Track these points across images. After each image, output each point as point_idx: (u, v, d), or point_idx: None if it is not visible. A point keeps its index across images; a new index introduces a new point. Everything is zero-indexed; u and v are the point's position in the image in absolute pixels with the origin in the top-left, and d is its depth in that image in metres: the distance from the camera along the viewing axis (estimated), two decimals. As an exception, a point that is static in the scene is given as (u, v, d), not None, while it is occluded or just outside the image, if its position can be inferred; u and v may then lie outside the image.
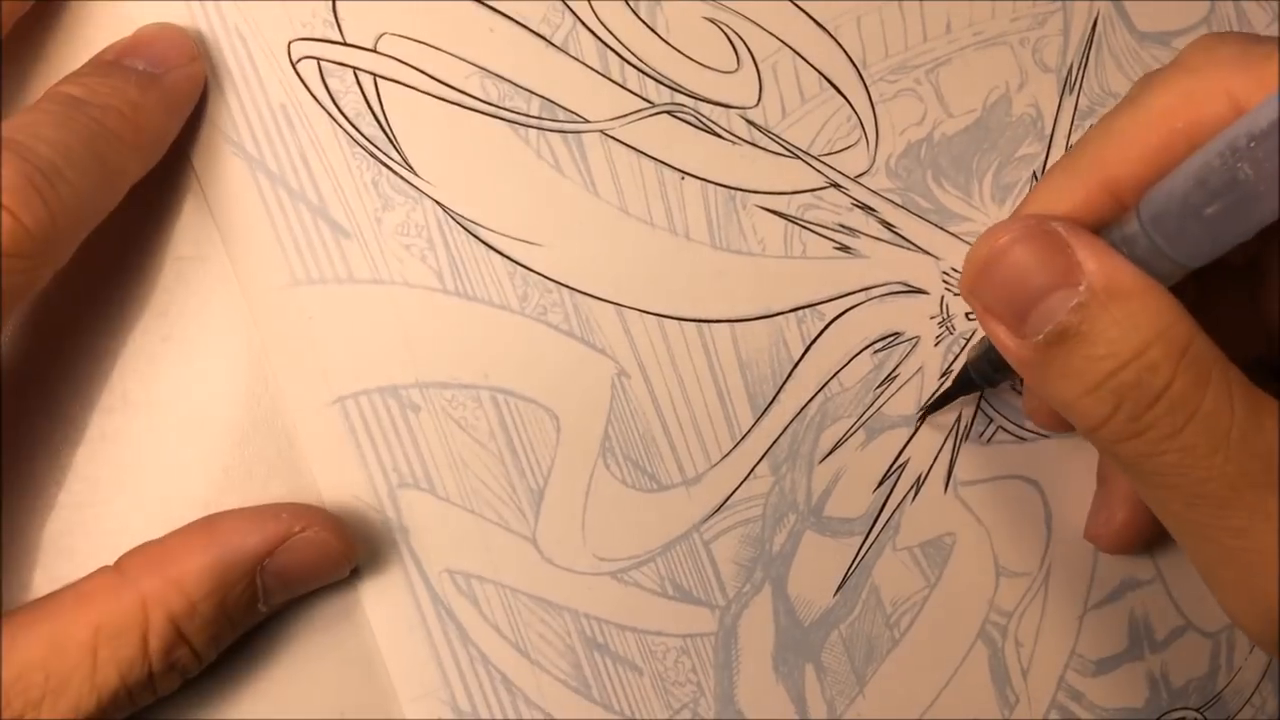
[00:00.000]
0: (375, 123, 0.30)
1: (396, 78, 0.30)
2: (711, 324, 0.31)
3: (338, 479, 0.30)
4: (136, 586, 0.26)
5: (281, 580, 0.27)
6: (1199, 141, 0.24)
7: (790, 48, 0.32)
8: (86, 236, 0.26)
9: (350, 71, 0.30)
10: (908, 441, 0.33)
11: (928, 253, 0.33)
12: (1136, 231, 0.25)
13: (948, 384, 0.33)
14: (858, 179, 0.32)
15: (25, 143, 0.25)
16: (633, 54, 0.31)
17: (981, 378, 0.31)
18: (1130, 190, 0.26)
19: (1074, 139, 0.33)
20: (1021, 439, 0.33)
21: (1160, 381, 0.24)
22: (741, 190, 0.32)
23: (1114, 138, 0.26)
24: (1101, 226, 0.26)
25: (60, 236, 0.25)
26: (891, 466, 0.33)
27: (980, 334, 0.32)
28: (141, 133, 0.27)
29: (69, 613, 0.25)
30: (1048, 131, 0.33)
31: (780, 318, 0.32)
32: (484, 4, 0.30)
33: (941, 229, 0.33)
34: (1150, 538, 0.33)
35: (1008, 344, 0.26)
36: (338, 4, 0.30)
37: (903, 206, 0.33)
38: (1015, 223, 0.26)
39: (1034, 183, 0.33)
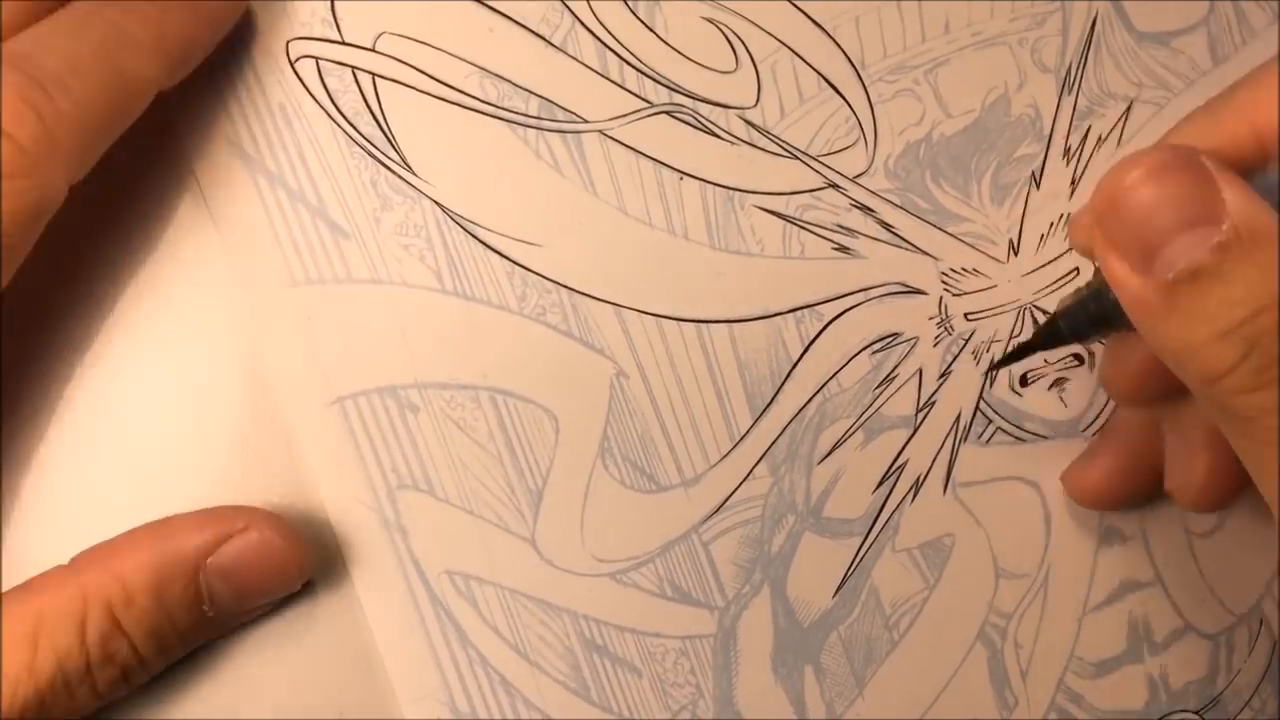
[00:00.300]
0: (374, 122, 0.30)
1: (395, 77, 0.30)
2: (710, 324, 0.31)
3: (337, 480, 0.29)
4: (79, 578, 0.26)
5: (226, 582, 0.27)
6: None
7: (789, 48, 0.32)
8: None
9: (349, 71, 0.30)
10: (907, 442, 0.33)
11: (926, 253, 0.33)
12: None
13: (1024, 337, 0.31)
14: (856, 179, 0.32)
15: (28, 53, 0.24)
16: (631, 54, 0.31)
17: (1073, 330, 0.29)
18: (1277, 137, 0.25)
19: (1073, 139, 0.33)
20: (1020, 440, 0.33)
21: None
22: (740, 190, 0.32)
23: (1268, 83, 0.25)
24: (1241, 171, 0.25)
25: (64, 149, 0.24)
26: (890, 467, 0.32)
27: (1071, 287, 0.32)
28: (166, 37, 0.26)
29: (16, 603, 0.26)
30: (1046, 132, 0.33)
31: (779, 318, 0.32)
32: (483, 4, 0.30)
33: (940, 230, 0.33)
34: (1125, 499, 0.32)
35: (1130, 283, 0.24)
36: (336, 3, 0.30)
37: (901, 207, 0.33)
38: (1158, 151, 0.24)
39: (1032, 183, 0.33)
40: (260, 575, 0.28)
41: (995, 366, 0.33)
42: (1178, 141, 0.26)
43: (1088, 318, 0.28)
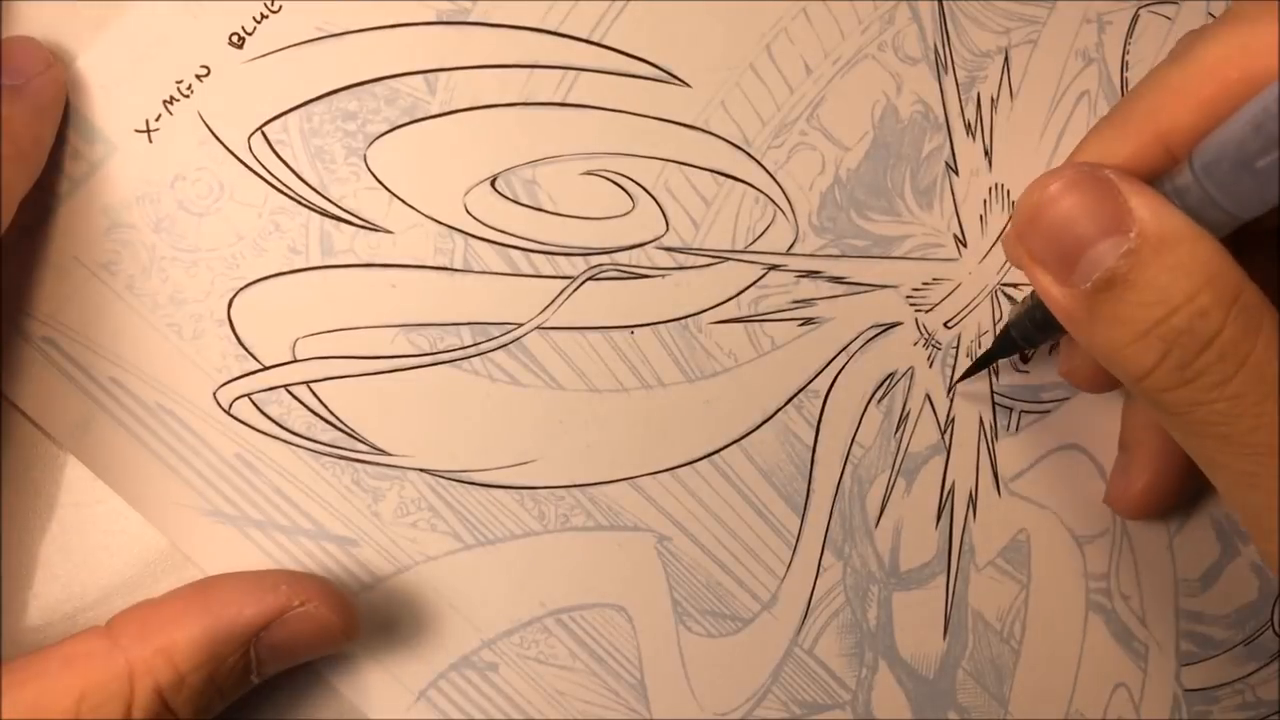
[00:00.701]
0: (329, 426, 0.29)
1: (327, 375, 0.29)
2: (721, 453, 0.31)
3: (455, 766, 0.30)
4: (125, 655, 0.25)
5: (276, 653, 0.26)
6: (1253, 93, 0.24)
7: (672, 161, 0.31)
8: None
9: (283, 391, 0.29)
10: (945, 466, 0.33)
11: (884, 286, 0.32)
12: (1189, 182, 0.25)
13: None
14: (790, 252, 0.32)
15: None
16: (531, 241, 0.30)
17: (1023, 337, 0.30)
18: (1182, 142, 0.26)
19: (968, 113, 0.33)
20: (1046, 412, 0.33)
21: (1211, 328, 0.24)
22: (690, 316, 0.31)
23: (1167, 90, 0.26)
24: (1153, 178, 0.26)
25: None
26: (941, 497, 0.33)
27: (1022, 296, 0.32)
28: (15, 142, 0.26)
29: (55, 676, 0.25)
30: (941, 119, 0.33)
31: (780, 414, 0.32)
32: (373, 265, 0.30)
33: (887, 258, 0.32)
34: (1170, 502, 0.33)
35: (1053, 293, 0.26)
36: (240, 334, 0.29)
37: (843, 255, 0.32)
38: (1066, 169, 0.25)
39: (950, 173, 0.33)
40: (312, 647, 0.27)
41: (959, 380, 0.33)
42: (1089, 155, 0.27)
43: (1034, 325, 0.30)
